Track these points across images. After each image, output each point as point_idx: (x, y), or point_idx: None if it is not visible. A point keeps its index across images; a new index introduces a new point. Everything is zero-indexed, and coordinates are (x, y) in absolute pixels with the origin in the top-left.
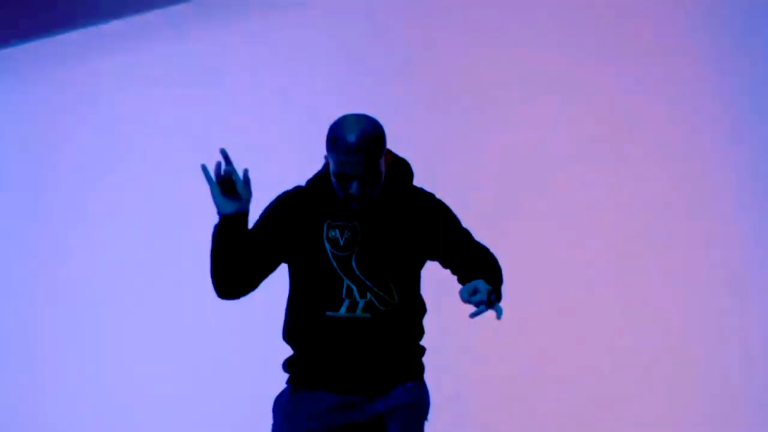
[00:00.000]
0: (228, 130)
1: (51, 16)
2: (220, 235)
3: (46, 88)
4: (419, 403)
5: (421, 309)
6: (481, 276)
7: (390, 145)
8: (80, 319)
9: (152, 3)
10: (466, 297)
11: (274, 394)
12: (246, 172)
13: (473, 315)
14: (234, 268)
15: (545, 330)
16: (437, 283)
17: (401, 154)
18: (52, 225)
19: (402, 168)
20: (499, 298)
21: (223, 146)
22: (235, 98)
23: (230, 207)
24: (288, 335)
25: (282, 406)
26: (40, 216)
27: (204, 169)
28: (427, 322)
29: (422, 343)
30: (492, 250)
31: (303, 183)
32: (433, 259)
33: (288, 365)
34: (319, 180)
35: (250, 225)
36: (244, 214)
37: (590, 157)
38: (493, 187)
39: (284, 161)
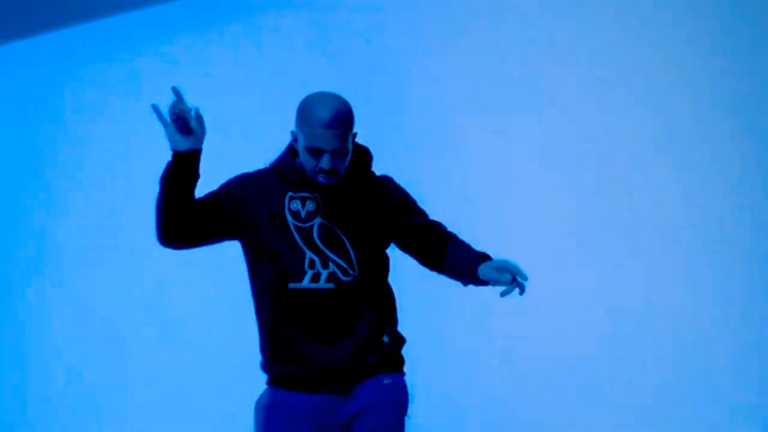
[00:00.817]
0: (227, 129)
1: (53, 12)
2: (173, 173)
3: (48, 85)
4: (397, 402)
5: (385, 283)
6: (458, 250)
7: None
8: (79, 319)
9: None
10: (496, 276)
11: (256, 393)
12: (197, 109)
13: (505, 294)
14: (182, 211)
15: (539, 326)
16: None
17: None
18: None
19: (362, 152)
20: None
21: (221, 145)
22: (234, 97)
23: (185, 144)
24: (257, 314)
25: (265, 409)
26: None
27: (155, 109)
28: (415, 319)
29: (401, 335)
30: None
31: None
32: (393, 238)
33: (265, 366)
34: (282, 158)
35: (208, 192)
36: (198, 151)
37: (590, 155)
38: (488, 185)
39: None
